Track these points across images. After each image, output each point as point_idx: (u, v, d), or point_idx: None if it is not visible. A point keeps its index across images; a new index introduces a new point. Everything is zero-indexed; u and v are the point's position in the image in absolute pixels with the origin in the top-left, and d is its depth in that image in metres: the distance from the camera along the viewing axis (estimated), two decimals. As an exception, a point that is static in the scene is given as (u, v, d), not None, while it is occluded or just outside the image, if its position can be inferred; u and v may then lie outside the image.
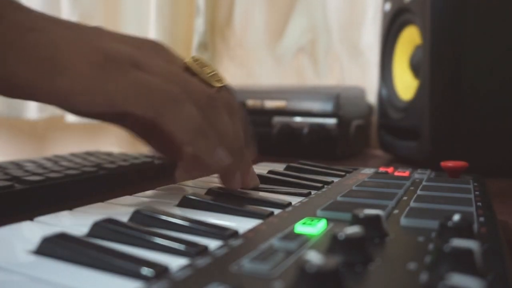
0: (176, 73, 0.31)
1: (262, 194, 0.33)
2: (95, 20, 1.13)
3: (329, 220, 0.25)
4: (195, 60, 0.34)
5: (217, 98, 0.32)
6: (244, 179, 0.35)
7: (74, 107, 0.30)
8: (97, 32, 0.32)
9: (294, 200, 0.31)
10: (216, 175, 0.42)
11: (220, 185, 0.34)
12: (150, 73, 0.30)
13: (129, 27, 1.15)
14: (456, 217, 0.22)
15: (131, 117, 0.36)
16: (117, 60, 0.29)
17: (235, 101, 0.35)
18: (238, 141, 0.34)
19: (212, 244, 0.21)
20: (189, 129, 0.30)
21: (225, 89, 0.35)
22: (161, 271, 0.18)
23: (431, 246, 0.21)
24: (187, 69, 0.34)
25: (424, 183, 0.36)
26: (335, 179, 0.40)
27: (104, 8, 1.15)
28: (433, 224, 0.24)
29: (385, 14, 0.75)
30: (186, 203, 0.29)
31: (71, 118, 1.14)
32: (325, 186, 0.37)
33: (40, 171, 0.40)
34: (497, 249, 0.20)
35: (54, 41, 0.29)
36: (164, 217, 0.24)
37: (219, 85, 0.34)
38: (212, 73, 0.34)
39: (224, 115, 0.32)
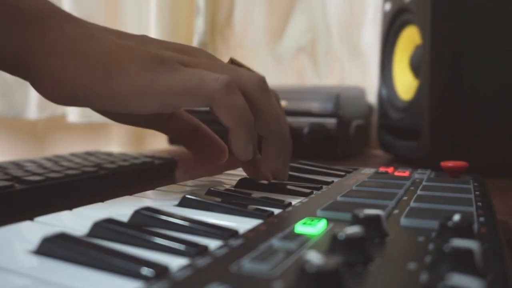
0: (222, 65, 0.33)
1: (262, 194, 0.33)
2: (95, 19, 1.13)
3: (329, 220, 0.25)
4: (234, 60, 0.37)
5: (266, 83, 0.34)
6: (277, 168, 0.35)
7: (129, 109, 0.32)
8: (145, 40, 0.35)
9: (294, 200, 0.31)
10: (217, 175, 0.42)
11: (220, 185, 0.34)
12: (198, 67, 0.32)
13: (130, 27, 1.15)
14: (456, 217, 0.22)
15: (178, 118, 0.40)
16: (165, 62, 0.31)
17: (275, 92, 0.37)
18: (285, 126, 0.35)
19: (212, 244, 0.21)
20: (237, 116, 0.31)
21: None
22: (161, 271, 0.18)
23: (431, 246, 0.21)
24: (231, 62, 0.36)
25: (424, 183, 0.36)
26: (335, 179, 0.40)
27: (105, 8, 1.15)
28: (433, 224, 0.24)
29: (385, 14, 0.75)
30: (186, 203, 0.29)
31: (71, 118, 1.14)
32: (325, 186, 0.37)
33: (40, 171, 0.40)
34: (497, 249, 0.20)
35: (109, 48, 0.31)
36: (164, 217, 0.24)
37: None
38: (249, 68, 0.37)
39: (274, 99, 0.34)
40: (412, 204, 0.29)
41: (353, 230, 0.19)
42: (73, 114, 1.20)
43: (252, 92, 0.33)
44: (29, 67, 0.32)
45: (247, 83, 0.33)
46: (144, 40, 0.35)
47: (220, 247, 0.20)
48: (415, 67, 0.67)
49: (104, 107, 0.33)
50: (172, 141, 0.83)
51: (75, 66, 0.31)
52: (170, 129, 0.41)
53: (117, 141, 1.21)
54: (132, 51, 0.32)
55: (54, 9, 0.34)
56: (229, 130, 0.32)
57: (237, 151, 0.33)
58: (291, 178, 0.40)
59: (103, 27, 0.35)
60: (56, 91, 0.32)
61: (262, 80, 0.34)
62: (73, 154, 0.54)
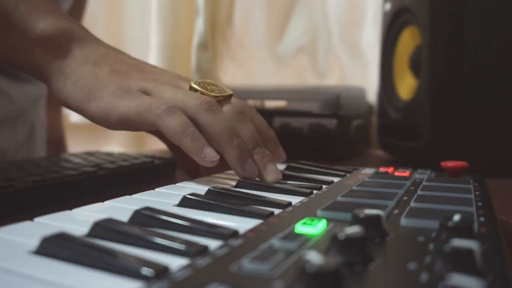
0: (175, 94, 0.39)
1: (262, 194, 0.33)
2: (98, 20, 1.13)
3: (329, 220, 0.25)
4: (198, 82, 0.42)
5: (212, 102, 0.39)
6: (260, 172, 0.39)
7: (102, 125, 0.41)
8: (134, 68, 0.43)
9: (294, 200, 0.31)
10: (216, 175, 0.42)
11: (220, 185, 0.34)
12: (155, 96, 0.39)
13: (131, 27, 1.15)
14: (456, 217, 0.22)
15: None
16: (130, 91, 0.39)
17: (242, 105, 0.42)
18: (231, 135, 0.38)
19: (212, 244, 0.21)
20: (178, 133, 0.37)
21: (228, 98, 0.42)
22: (161, 271, 0.18)
23: (431, 246, 0.21)
24: (191, 88, 0.42)
25: (424, 183, 0.36)
26: (335, 179, 0.40)
27: (107, 9, 1.15)
28: (433, 224, 0.24)
29: (385, 14, 0.75)
30: (186, 203, 0.29)
31: (72, 118, 1.14)
32: (325, 186, 0.37)
33: (40, 171, 0.40)
34: (497, 249, 0.20)
35: (97, 75, 0.40)
36: (164, 217, 0.24)
37: (216, 94, 0.41)
38: (215, 88, 0.42)
39: (220, 114, 0.38)
40: (412, 204, 0.29)
41: (353, 230, 0.19)
42: (75, 114, 1.20)
43: (194, 113, 0.38)
44: (45, 79, 0.43)
45: (190, 105, 0.38)
46: (135, 65, 0.43)
47: (220, 247, 0.20)
48: (415, 67, 0.67)
49: (87, 119, 0.41)
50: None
51: (71, 84, 0.41)
52: (162, 139, 0.49)
53: (117, 141, 1.21)
54: (109, 79, 0.40)
55: (73, 34, 0.43)
56: (178, 144, 0.37)
57: (198, 160, 0.37)
58: (291, 178, 0.40)
59: (105, 51, 0.43)
60: (60, 100, 0.43)
61: (205, 101, 0.38)
62: (72, 154, 0.54)
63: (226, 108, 0.40)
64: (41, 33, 0.42)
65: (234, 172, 0.38)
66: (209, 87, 0.42)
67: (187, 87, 0.42)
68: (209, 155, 0.36)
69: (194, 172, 0.48)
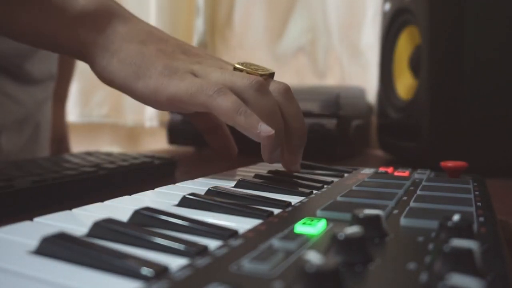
0: (223, 75, 0.40)
1: (262, 194, 0.33)
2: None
3: (329, 220, 0.25)
4: (241, 63, 0.43)
5: (261, 82, 0.39)
6: (287, 158, 0.41)
7: (147, 104, 0.41)
8: (179, 50, 0.43)
9: (294, 200, 0.31)
10: (216, 175, 0.42)
11: (219, 185, 0.34)
12: (203, 78, 0.40)
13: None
14: (456, 217, 0.22)
15: (205, 115, 0.48)
16: (178, 71, 0.40)
17: (283, 85, 0.42)
18: (279, 118, 0.39)
19: (212, 244, 0.21)
20: (231, 112, 0.37)
21: (272, 76, 0.43)
22: (161, 271, 0.18)
23: (431, 246, 0.21)
24: (235, 69, 0.42)
25: (424, 183, 0.36)
26: (335, 179, 0.40)
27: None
28: (433, 224, 0.24)
29: (385, 14, 0.75)
30: (186, 203, 0.29)
31: (71, 118, 1.14)
32: (325, 186, 0.37)
33: (40, 171, 0.40)
34: (497, 249, 0.20)
35: (144, 54, 0.41)
36: (164, 217, 0.24)
37: (262, 73, 0.42)
38: (257, 67, 0.43)
39: (269, 95, 0.39)
40: (412, 204, 0.29)
41: (353, 230, 0.19)
42: (73, 114, 1.20)
43: (244, 92, 0.38)
44: (88, 57, 0.42)
45: (239, 85, 0.38)
46: (179, 46, 0.43)
47: (220, 247, 0.20)
48: (415, 67, 0.67)
49: (132, 97, 0.41)
50: (172, 141, 0.83)
51: (118, 61, 0.41)
52: (198, 123, 0.50)
53: (117, 141, 1.21)
54: (157, 58, 0.40)
55: (112, 10, 0.43)
56: (230, 124, 0.38)
57: (251, 135, 0.37)
58: (291, 177, 0.40)
59: (149, 30, 0.43)
60: (103, 78, 0.42)
61: (254, 81, 0.39)
62: (72, 154, 0.54)
63: (274, 86, 0.41)
64: (82, 9, 0.41)
65: (262, 155, 0.39)
66: (252, 67, 0.42)
67: (232, 69, 0.42)
68: (264, 130, 0.36)
69: (228, 155, 0.50)
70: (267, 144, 0.37)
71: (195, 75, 0.40)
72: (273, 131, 0.36)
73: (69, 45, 0.43)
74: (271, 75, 0.43)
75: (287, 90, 0.41)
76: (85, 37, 0.42)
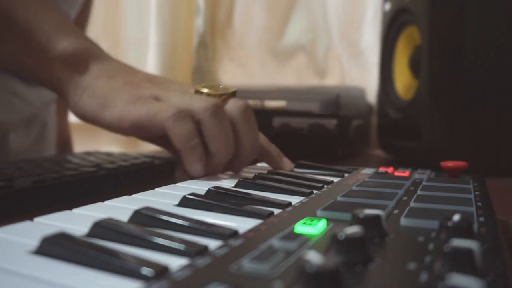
0: (182, 99, 0.41)
1: (262, 194, 0.33)
2: (96, 20, 1.13)
3: (329, 220, 0.25)
4: (203, 85, 0.44)
5: (218, 105, 0.40)
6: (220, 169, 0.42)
7: (115, 132, 0.44)
8: (146, 79, 0.45)
9: (294, 200, 0.31)
10: (216, 175, 0.42)
11: (219, 185, 0.34)
12: (164, 101, 0.41)
13: (130, 27, 1.15)
14: (456, 217, 0.22)
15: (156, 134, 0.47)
16: (143, 97, 0.42)
17: (242, 104, 0.43)
18: (229, 144, 0.41)
19: (212, 244, 0.21)
20: (183, 140, 0.39)
21: (233, 96, 0.44)
22: (161, 271, 0.18)
23: (431, 246, 0.21)
24: (196, 92, 0.44)
25: (424, 183, 0.36)
26: (335, 179, 0.40)
27: (105, 8, 1.15)
28: (433, 224, 0.24)
29: (385, 14, 0.75)
30: (186, 203, 0.29)
31: (71, 118, 1.14)
32: (325, 186, 0.37)
33: (40, 171, 0.40)
34: (497, 249, 0.20)
35: (112, 86, 0.43)
36: (164, 217, 0.24)
37: (222, 92, 0.43)
38: (218, 88, 0.44)
39: (223, 119, 0.40)
40: (412, 204, 0.29)
41: (353, 230, 0.19)
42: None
43: (199, 114, 0.40)
44: (64, 94, 0.46)
45: (196, 109, 0.40)
46: (146, 77, 0.46)
47: (220, 247, 0.20)
48: (415, 67, 0.67)
49: (103, 128, 0.44)
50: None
51: (87, 96, 0.44)
52: (170, 149, 0.50)
53: (117, 141, 1.21)
54: (123, 89, 0.43)
55: (90, 52, 0.46)
56: (178, 152, 0.39)
57: (187, 169, 0.40)
58: (291, 177, 0.40)
59: (120, 66, 0.47)
60: (76, 112, 0.45)
61: (211, 105, 0.40)
62: (72, 154, 0.54)
63: (232, 105, 0.42)
64: (62, 51, 0.45)
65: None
66: (214, 88, 0.44)
67: (193, 92, 0.44)
68: (195, 171, 0.39)
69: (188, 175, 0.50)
70: (193, 172, 0.40)
71: (158, 99, 0.42)
72: (201, 175, 0.39)
73: (47, 79, 0.46)
74: (233, 93, 0.44)
75: (245, 109, 0.42)
76: (62, 75, 0.45)
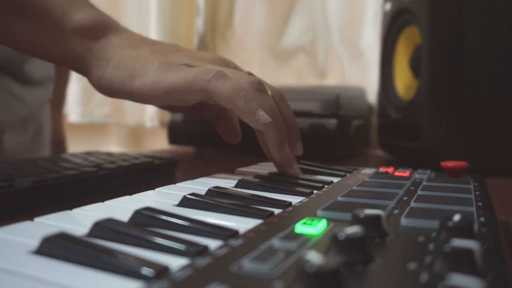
0: (223, 68, 0.40)
1: (262, 194, 0.33)
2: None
3: (329, 220, 0.25)
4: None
5: (261, 82, 0.39)
6: (292, 149, 0.43)
7: (147, 101, 0.42)
8: (172, 49, 0.44)
9: (294, 200, 0.31)
10: (216, 175, 0.42)
11: (220, 185, 0.34)
12: (201, 68, 0.39)
13: (130, 27, 1.15)
14: (456, 217, 0.22)
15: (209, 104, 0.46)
16: (174, 65, 0.40)
17: (279, 90, 0.43)
18: (276, 114, 0.39)
19: (212, 244, 0.21)
20: (231, 95, 0.37)
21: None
22: (161, 271, 0.18)
23: (431, 246, 0.21)
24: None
25: (424, 183, 0.36)
26: (335, 179, 0.40)
27: (105, 9, 1.14)
28: (433, 224, 0.24)
29: (385, 14, 0.75)
30: (186, 203, 0.29)
31: (71, 118, 1.14)
32: (325, 186, 0.37)
33: (40, 171, 0.40)
34: (497, 249, 0.20)
35: (139, 56, 0.42)
36: (164, 217, 0.24)
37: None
38: (249, 73, 0.43)
39: (268, 95, 0.39)
40: (412, 204, 0.29)
41: (353, 230, 0.19)
42: (74, 114, 1.20)
43: (245, 89, 0.38)
44: (84, 69, 0.44)
45: (240, 82, 0.38)
46: (171, 49, 0.44)
47: (220, 247, 0.20)
48: (415, 67, 0.67)
49: (132, 99, 0.42)
50: (172, 141, 0.83)
51: (112, 67, 0.42)
52: (200, 114, 0.50)
53: (117, 141, 1.21)
54: (152, 57, 0.41)
55: (108, 24, 0.44)
56: (231, 108, 0.38)
57: (248, 120, 0.38)
58: (292, 178, 0.40)
59: (142, 38, 0.45)
60: (101, 87, 0.43)
61: (256, 81, 0.39)
62: (72, 154, 0.54)
63: (271, 89, 0.41)
64: (79, 23, 0.43)
65: (272, 153, 0.40)
66: (246, 72, 0.43)
67: (233, 66, 0.43)
68: (262, 116, 0.37)
69: (232, 138, 0.49)
70: (272, 136, 0.38)
71: (191, 67, 0.40)
72: (270, 119, 0.37)
73: (64, 57, 0.44)
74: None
75: (282, 95, 0.43)
76: (81, 49, 0.43)
